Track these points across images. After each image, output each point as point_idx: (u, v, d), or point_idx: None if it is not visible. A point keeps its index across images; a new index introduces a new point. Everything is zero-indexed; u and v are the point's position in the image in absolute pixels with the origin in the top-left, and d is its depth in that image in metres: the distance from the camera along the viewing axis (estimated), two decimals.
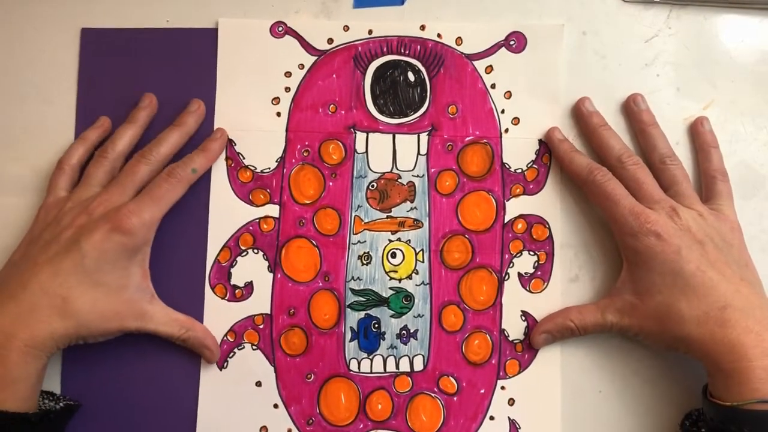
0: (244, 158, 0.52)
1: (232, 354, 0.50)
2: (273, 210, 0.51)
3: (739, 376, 0.42)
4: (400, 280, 0.51)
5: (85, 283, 0.45)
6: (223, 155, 0.51)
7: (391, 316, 0.51)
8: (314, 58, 0.52)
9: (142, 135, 0.51)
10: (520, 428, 0.50)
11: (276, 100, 0.52)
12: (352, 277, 0.51)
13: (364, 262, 0.51)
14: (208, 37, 0.52)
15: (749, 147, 0.52)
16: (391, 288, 0.51)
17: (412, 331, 0.51)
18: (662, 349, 0.47)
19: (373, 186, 0.51)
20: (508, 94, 0.52)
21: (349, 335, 0.51)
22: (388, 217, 0.51)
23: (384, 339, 0.51)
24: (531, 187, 0.51)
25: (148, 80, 0.52)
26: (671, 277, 0.45)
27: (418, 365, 0.50)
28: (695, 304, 0.44)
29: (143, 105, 0.51)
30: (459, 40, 0.52)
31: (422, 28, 0.52)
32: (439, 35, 0.52)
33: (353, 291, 0.51)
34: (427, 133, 0.52)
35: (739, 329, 0.43)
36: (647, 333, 0.46)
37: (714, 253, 0.45)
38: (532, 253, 0.51)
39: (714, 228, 0.47)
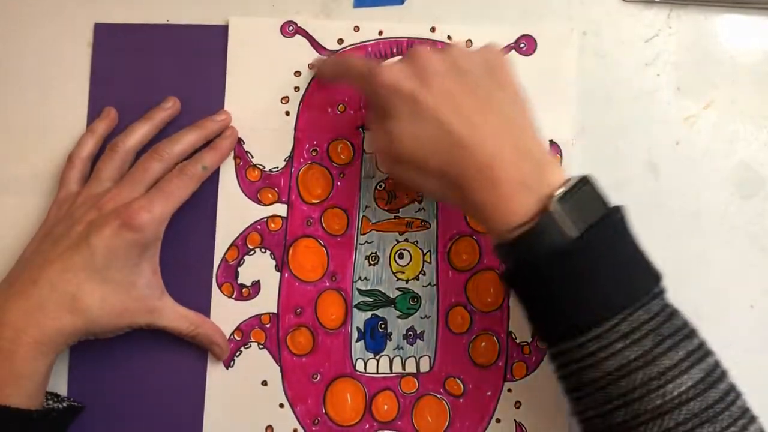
0: (252, 157, 0.51)
1: (238, 353, 0.50)
2: (281, 209, 0.51)
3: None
4: (407, 281, 0.51)
5: (95, 280, 0.44)
6: (232, 153, 0.51)
7: (398, 317, 0.51)
8: (324, 58, 0.52)
9: (155, 135, 0.50)
10: (526, 431, 0.49)
11: (285, 99, 0.52)
12: (359, 278, 0.51)
13: (372, 262, 0.51)
14: (221, 35, 0.52)
15: (749, 147, 0.52)
16: (398, 288, 0.51)
17: (418, 332, 0.50)
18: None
19: (381, 186, 0.51)
20: None
21: (355, 335, 0.50)
22: (395, 217, 0.51)
23: (390, 339, 0.50)
24: None
25: (160, 76, 0.52)
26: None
27: (425, 366, 0.50)
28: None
29: (165, 106, 0.50)
30: (469, 43, 0.52)
31: (432, 30, 0.52)
32: (449, 37, 0.52)
33: (360, 291, 0.51)
34: None
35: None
36: None
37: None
38: None
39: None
